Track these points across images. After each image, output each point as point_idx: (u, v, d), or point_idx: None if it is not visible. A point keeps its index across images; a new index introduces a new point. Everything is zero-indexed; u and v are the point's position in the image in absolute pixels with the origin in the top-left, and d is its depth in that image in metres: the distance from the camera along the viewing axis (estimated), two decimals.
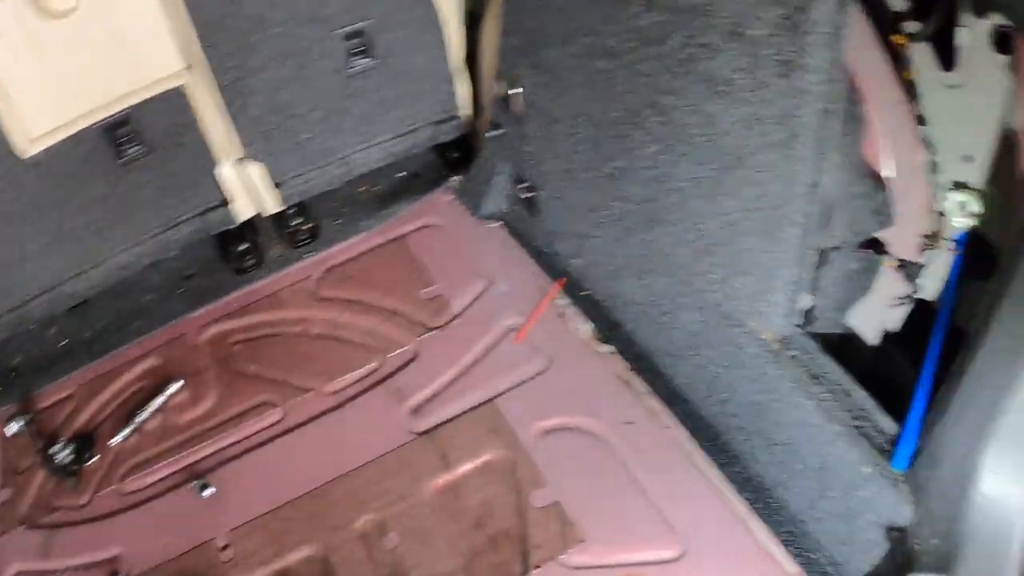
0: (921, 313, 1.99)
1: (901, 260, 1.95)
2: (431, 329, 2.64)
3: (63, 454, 2.48)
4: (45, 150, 2.50)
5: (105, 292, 2.84)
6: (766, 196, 1.81)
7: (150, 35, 2.48)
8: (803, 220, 1.79)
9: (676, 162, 2.00)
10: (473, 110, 3.05)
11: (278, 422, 2.52)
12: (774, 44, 1.65)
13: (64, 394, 2.72)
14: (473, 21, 2.90)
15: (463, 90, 2.99)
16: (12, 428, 2.57)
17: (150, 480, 2.46)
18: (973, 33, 1.68)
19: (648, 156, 2.08)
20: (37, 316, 2.73)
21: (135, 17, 2.43)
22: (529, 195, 2.73)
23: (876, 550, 1.89)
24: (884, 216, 1.89)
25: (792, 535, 2.08)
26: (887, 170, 1.87)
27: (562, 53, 2.26)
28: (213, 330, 2.80)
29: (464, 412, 2.43)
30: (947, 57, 1.76)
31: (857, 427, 1.88)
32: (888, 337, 2.13)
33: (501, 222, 2.92)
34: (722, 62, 1.77)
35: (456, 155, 3.15)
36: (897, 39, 1.80)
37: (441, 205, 3.03)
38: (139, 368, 2.74)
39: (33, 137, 2.47)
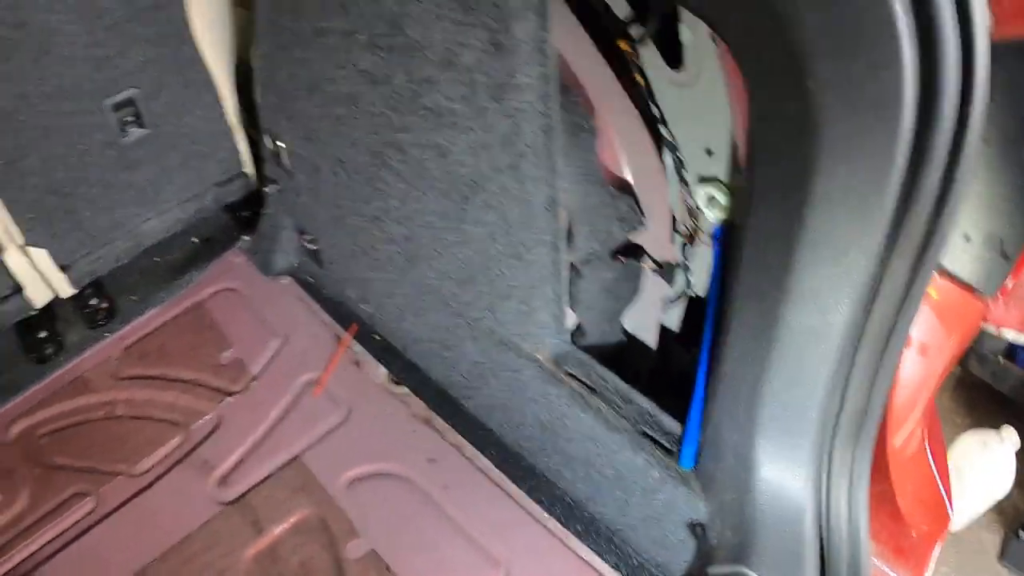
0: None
1: (660, 261, 1.91)
2: (231, 394, 2.54)
3: None
4: None
5: None
6: (507, 220, 1.76)
7: None
8: (548, 238, 1.73)
9: (422, 197, 1.93)
10: (256, 167, 2.94)
11: (91, 511, 2.37)
12: (484, 68, 1.59)
13: None
14: (247, 74, 2.79)
15: (243, 147, 2.88)
16: None
17: None
18: (693, 30, 1.64)
19: (398, 195, 2.01)
20: None
21: None
22: (313, 247, 2.64)
23: (688, 548, 1.86)
24: (630, 221, 1.84)
25: (611, 546, 2.05)
26: (627, 175, 1.82)
27: (309, 104, 2.19)
28: (19, 426, 2.63)
29: (271, 474, 2.33)
30: (675, 55, 1.72)
31: (642, 432, 1.84)
32: (673, 336, 2.10)
33: (292, 277, 2.84)
34: (442, 93, 1.71)
35: (246, 214, 3.04)
36: (622, 44, 1.75)
37: (234, 267, 2.93)
38: None
39: None
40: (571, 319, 1.97)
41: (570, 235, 1.82)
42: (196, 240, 3.02)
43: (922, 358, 1.59)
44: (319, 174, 2.32)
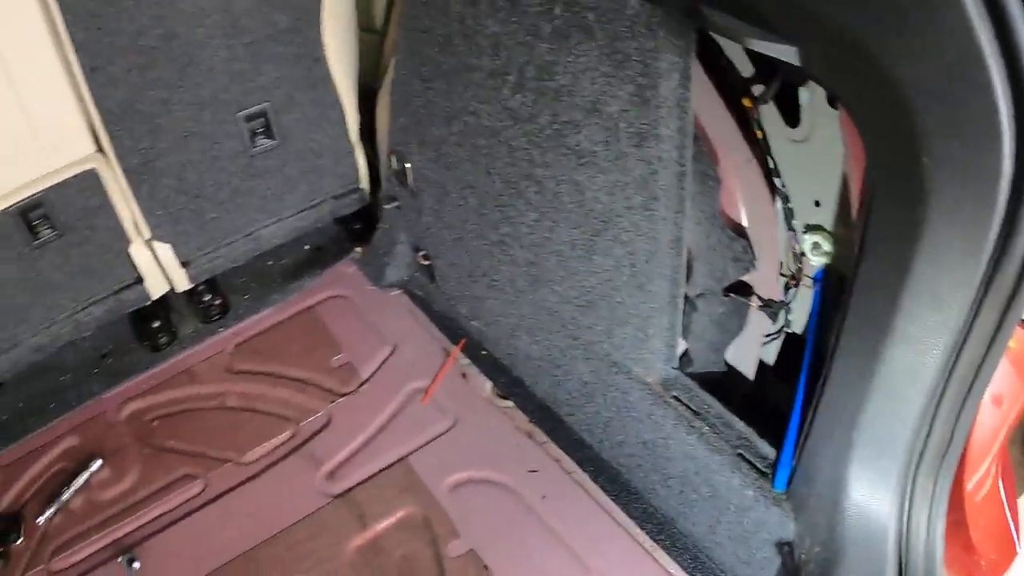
0: (797, 343, 2.23)
1: (766, 300, 2.20)
2: (342, 395, 2.82)
3: None
4: None
5: (21, 374, 2.93)
6: (634, 254, 2.03)
7: (62, 119, 2.61)
8: (670, 273, 2.00)
9: (553, 227, 2.21)
10: (371, 182, 3.24)
11: (200, 493, 2.65)
12: (628, 118, 1.88)
13: None
14: (368, 95, 3.10)
15: (362, 163, 3.18)
16: None
17: (78, 557, 2.55)
18: (812, 93, 1.94)
19: (529, 223, 2.29)
20: None
21: (47, 101, 2.56)
22: (427, 263, 2.94)
23: (773, 565, 2.09)
24: (744, 262, 2.13)
25: (697, 562, 2.28)
26: (743, 221, 2.13)
27: (446, 132, 2.47)
28: (131, 407, 2.92)
29: (378, 472, 2.59)
30: (792, 115, 2.01)
31: (740, 455, 2.08)
32: (768, 368, 2.39)
33: (402, 290, 3.13)
34: (585, 136, 2.00)
35: (358, 226, 3.34)
36: (745, 102, 2.06)
37: (346, 276, 3.22)
38: (59, 448, 2.84)
39: None
40: (680, 347, 2.26)
41: (689, 271, 2.11)
42: (308, 247, 3.33)
43: (996, 407, 1.86)
44: (447, 197, 2.61)
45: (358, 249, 3.28)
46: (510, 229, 2.38)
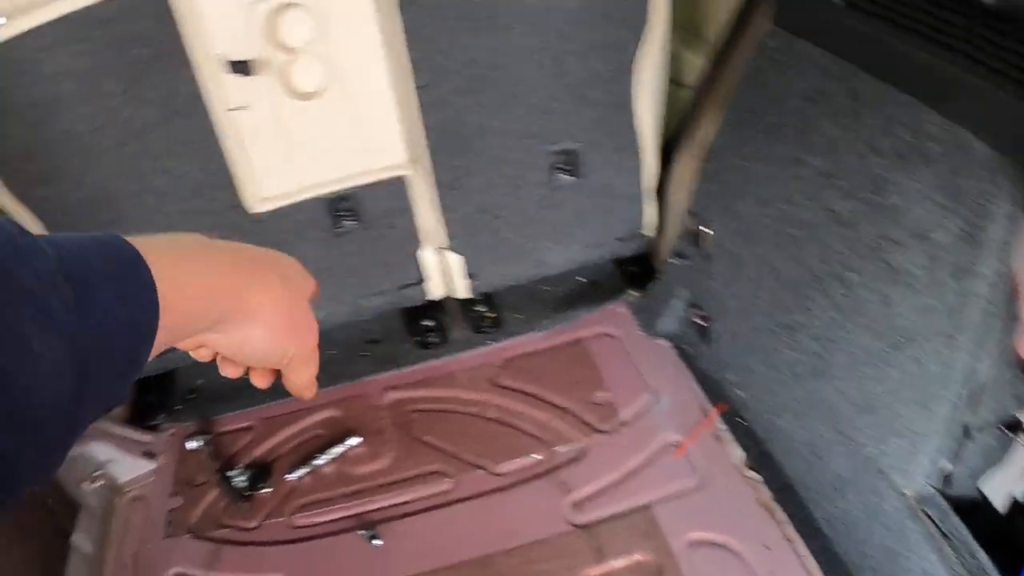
0: None
1: None
2: (599, 432, 3.01)
3: (240, 478, 2.91)
4: (271, 211, 2.97)
5: None
6: (927, 375, 2.16)
7: (385, 128, 2.95)
8: (956, 400, 2.13)
9: (851, 330, 2.35)
10: (656, 232, 3.45)
11: (448, 491, 2.89)
12: (952, 250, 2.01)
13: (243, 424, 3.17)
14: (668, 150, 3.32)
15: (650, 212, 3.39)
16: (192, 444, 3.04)
17: (320, 520, 2.85)
18: None
19: (826, 319, 2.43)
20: None
21: (374, 109, 2.90)
22: (703, 323, 3.11)
23: None
24: None
25: None
26: None
27: (757, 212, 2.64)
28: (393, 395, 3.22)
29: (621, 513, 2.76)
30: None
31: None
32: (1017, 506, 2.49)
33: (670, 342, 3.31)
34: (906, 257, 2.13)
35: (634, 269, 3.57)
36: None
37: (617, 316, 3.43)
38: (320, 416, 3.18)
39: (262, 198, 2.95)
40: (946, 469, 2.39)
41: (978, 402, 2.25)
42: (583, 280, 3.57)
43: None
44: (741, 269, 2.78)
45: (633, 292, 3.49)
46: (804, 318, 2.53)
